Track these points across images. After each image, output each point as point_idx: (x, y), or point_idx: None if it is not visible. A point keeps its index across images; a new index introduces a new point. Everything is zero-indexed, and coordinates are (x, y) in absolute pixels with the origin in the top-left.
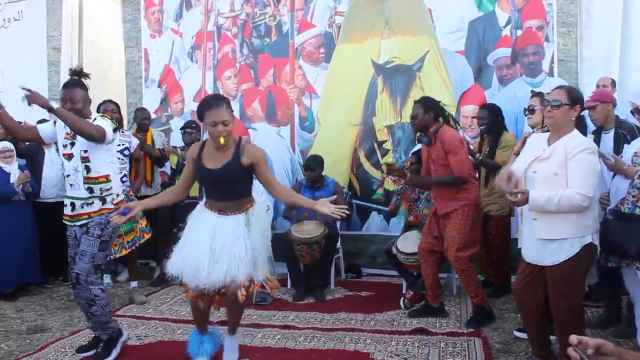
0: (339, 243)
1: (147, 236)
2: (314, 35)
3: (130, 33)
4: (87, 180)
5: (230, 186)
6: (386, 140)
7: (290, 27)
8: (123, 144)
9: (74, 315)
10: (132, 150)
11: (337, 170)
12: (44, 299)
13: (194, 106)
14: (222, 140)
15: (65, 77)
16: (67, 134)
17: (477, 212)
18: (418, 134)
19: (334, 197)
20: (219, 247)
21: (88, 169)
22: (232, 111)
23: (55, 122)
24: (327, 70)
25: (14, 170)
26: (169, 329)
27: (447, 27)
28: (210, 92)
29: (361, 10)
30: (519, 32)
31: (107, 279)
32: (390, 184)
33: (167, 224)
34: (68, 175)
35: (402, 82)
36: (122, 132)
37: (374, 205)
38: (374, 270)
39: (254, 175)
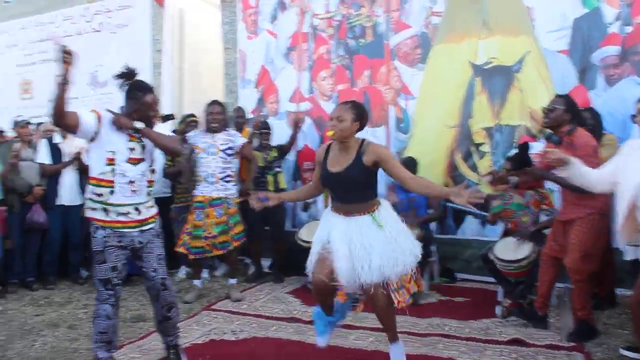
0: (433, 247)
1: (236, 244)
2: (410, 35)
3: (228, 35)
4: (149, 183)
5: (354, 189)
6: (483, 143)
7: (386, 27)
8: (226, 143)
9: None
10: (235, 149)
11: (432, 173)
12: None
13: (290, 106)
14: (331, 133)
15: (167, 77)
16: (131, 135)
17: (604, 221)
18: (547, 131)
19: (466, 183)
20: (353, 249)
21: (153, 172)
22: (357, 113)
23: (100, 120)
24: (423, 71)
25: None
26: (263, 326)
27: (548, 25)
28: (305, 93)
29: (458, 10)
30: (629, 29)
31: (204, 273)
32: (487, 188)
33: (258, 223)
34: (132, 182)
35: (501, 84)
36: (227, 130)
37: (470, 209)
38: (468, 276)
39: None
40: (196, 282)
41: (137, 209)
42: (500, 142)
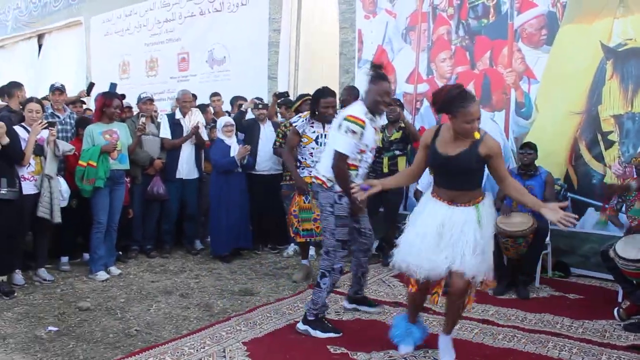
0: (548, 238)
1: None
2: (536, 15)
3: (345, 14)
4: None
5: (463, 175)
6: (612, 132)
7: (510, 7)
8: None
9: (279, 282)
10: None
11: (553, 161)
12: (254, 264)
13: (407, 88)
14: (477, 135)
15: (284, 56)
16: (375, 128)
17: None
18: None
19: (564, 204)
20: (447, 238)
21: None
22: None
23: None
24: (548, 54)
25: (234, 144)
26: None
27: None
28: (423, 74)
29: None
30: None
31: (311, 251)
32: (613, 179)
33: (372, 204)
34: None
35: (636, 68)
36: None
37: (592, 201)
38: (585, 272)
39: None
40: (304, 261)
41: None
42: (631, 132)
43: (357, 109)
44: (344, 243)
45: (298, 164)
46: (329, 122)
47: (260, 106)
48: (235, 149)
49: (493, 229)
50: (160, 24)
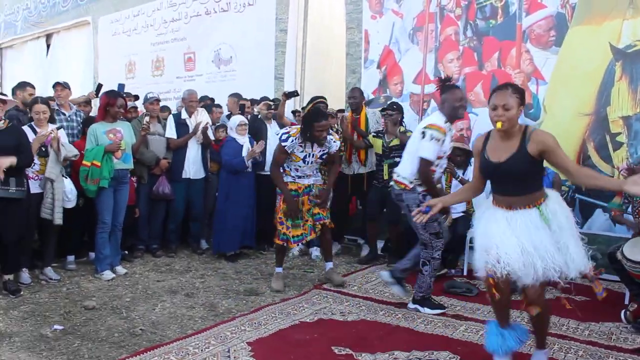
0: None
1: (313, 235)
2: (545, 16)
3: (352, 14)
4: None
5: (517, 180)
6: (620, 133)
7: (519, 8)
8: (323, 150)
9: (284, 283)
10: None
11: None
12: (260, 264)
13: (414, 88)
14: (499, 125)
15: (291, 56)
16: None
17: None
18: None
19: None
20: (521, 242)
21: None
22: (520, 97)
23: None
24: (557, 55)
25: (246, 143)
26: (372, 309)
27: None
28: (431, 75)
29: None
30: None
31: (316, 251)
32: None
33: (375, 207)
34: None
35: None
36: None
37: (600, 202)
38: None
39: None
40: (279, 269)
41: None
42: (639, 133)
43: (437, 118)
44: (437, 234)
45: (281, 171)
46: (321, 144)
47: (272, 107)
48: (247, 149)
49: (571, 223)
50: (167, 24)
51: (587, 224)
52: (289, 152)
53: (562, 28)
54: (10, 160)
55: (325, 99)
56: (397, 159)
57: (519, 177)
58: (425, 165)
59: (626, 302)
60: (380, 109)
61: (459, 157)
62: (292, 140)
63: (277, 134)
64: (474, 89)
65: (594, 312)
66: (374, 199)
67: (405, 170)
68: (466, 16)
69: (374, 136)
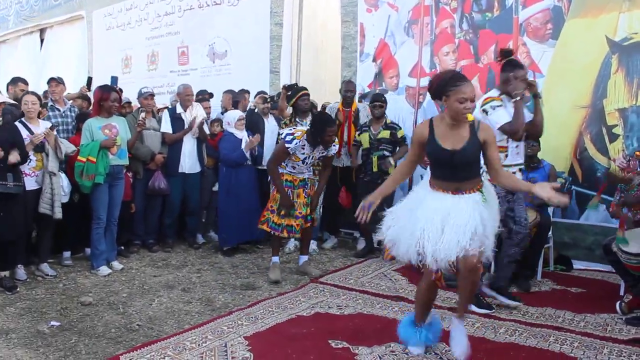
0: (550, 232)
1: (296, 232)
2: (541, 9)
3: (347, 8)
4: None
5: (468, 166)
6: (617, 125)
7: (515, 1)
8: (322, 153)
9: (282, 276)
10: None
11: (558, 155)
12: (256, 258)
13: (409, 81)
14: (470, 117)
15: (286, 50)
16: None
17: None
18: None
19: (557, 184)
20: (452, 224)
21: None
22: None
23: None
24: (554, 48)
25: (245, 137)
26: (369, 302)
27: None
28: (427, 68)
29: None
30: None
31: (314, 245)
32: (617, 172)
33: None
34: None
35: None
36: None
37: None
38: (587, 265)
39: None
40: (275, 258)
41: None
42: (635, 125)
43: (491, 92)
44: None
45: None
46: (327, 148)
47: (268, 100)
48: (244, 141)
49: (497, 209)
50: (161, 18)
51: (585, 214)
52: (290, 153)
53: (558, 21)
54: (16, 157)
55: (307, 90)
56: (385, 152)
57: (470, 164)
58: (511, 133)
59: (621, 293)
60: (370, 102)
61: None
62: (296, 143)
63: (281, 134)
64: (470, 82)
65: (589, 304)
66: (364, 193)
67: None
68: (462, 9)
69: (359, 133)
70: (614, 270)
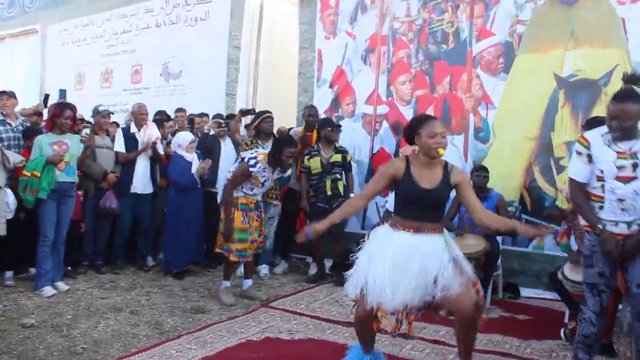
0: (499, 260)
1: (248, 256)
2: (494, 44)
3: (305, 34)
4: None
5: (437, 207)
6: (564, 157)
7: (469, 34)
8: (280, 174)
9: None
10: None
11: (509, 185)
12: (207, 281)
13: (366, 109)
14: (442, 151)
15: (243, 74)
16: (620, 152)
17: None
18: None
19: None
20: (417, 266)
21: None
22: None
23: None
24: (505, 81)
25: (195, 160)
26: (319, 328)
27: None
28: (383, 96)
29: (545, 18)
30: None
31: (265, 269)
32: (564, 202)
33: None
34: (622, 200)
35: (586, 98)
36: None
37: (545, 223)
38: (535, 292)
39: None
40: (227, 283)
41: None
42: None
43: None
44: (592, 287)
45: None
46: (285, 170)
47: (223, 125)
48: (195, 164)
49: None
50: (117, 35)
51: (533, 243)
52: (252, 176)
53: (509, 56)
54: None
55: (271, 113)
56: (337, 176)
57: (440, 204)
58: (572, 187)
59: (566, 320)
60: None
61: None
62: (259, 166)
63: (244, 158)
64: (425, 111)
65: (535, 331)
66: (316, 218)
67: None
68: (418, 40)
69: (308, 158)
70: (558, 298)
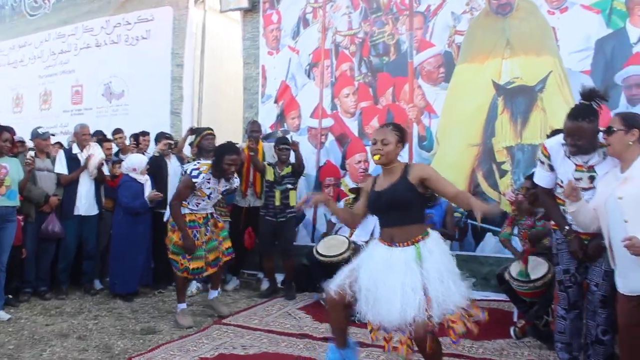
0: None
1: (226, 258)
2: (433, 54)
3: (249, 50)
4: None
5: (397, 209)
6: (505, 162)
7: (409, 46)
8: (226, 186)
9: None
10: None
11: None
12: (157, 302)
13: (311, 122)
14: (377, 157)
15: (188, 91)
16: (578, 165)
17: None
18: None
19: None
20: (385, 283)
21: None
22: (399, 134)
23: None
24: (446, 90)
25: (147, 182)
26: (274, 341)
27: (572, 46)
28: (328, 109)
29: (482, 29)
30: None
31: (193, 286)
32: (507, 206)
33: (268, 240)
34: None
35: (523, 103)
36: None
37: (490, 227)
38: (484, 294)
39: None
40: (182, 305)
41: None
42: (521, 161)
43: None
44: (559, 283)
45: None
46: (228, 179)
47: (172, 146)
48: (148, 187)
49: (447, 260)
50: (55, 56)
51: (480, 246)
52: (196, 188)
53: (449, 65)
54: None
55: (212, 130)
56: (288, 186)
57: (398, 206)
58: (541, 193)
59: (514, 319)
60: (274, 143)
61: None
62: (203, 177)
63: (186, 170)
64: (370, 123)
65: (485, 331)
66: (265, 232)
67: None
68: (360, 53)
69: (268, 164)
70: (506, 298)
